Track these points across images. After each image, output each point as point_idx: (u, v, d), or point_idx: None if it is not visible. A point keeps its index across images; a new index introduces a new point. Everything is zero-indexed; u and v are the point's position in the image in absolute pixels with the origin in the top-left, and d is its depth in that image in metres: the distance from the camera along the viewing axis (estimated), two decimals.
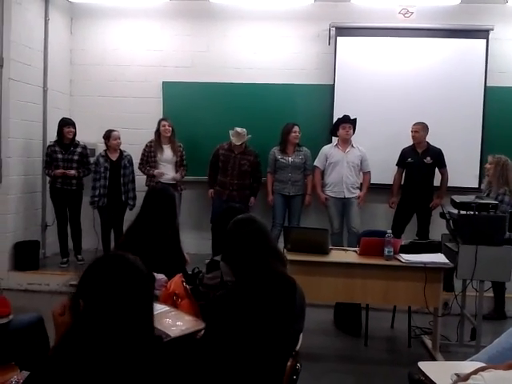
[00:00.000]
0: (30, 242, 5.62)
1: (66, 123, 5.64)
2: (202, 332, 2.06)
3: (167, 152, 5.78)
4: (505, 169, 4.65)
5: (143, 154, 5.81)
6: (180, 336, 2.02)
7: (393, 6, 6.10)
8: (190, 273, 2.96)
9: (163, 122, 5.78)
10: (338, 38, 6.15)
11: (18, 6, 5.45)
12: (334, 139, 5.81)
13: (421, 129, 5.58)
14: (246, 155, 5.71)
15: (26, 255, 5.53)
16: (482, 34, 5.98)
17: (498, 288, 4.69)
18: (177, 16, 6.37)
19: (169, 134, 5.77)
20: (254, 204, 5.78)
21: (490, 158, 4.83)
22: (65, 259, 5.76)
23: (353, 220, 5.61)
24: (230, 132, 5.63)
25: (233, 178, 5.67)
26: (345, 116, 5.62)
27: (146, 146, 5.82)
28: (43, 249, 5.98)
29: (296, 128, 5.68)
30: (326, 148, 5.75)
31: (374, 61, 6.10)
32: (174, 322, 2.10)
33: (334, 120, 5.88)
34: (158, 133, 5.80)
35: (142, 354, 1.45)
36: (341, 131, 5.61)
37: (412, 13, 6.14)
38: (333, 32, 6.16)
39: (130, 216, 5.29)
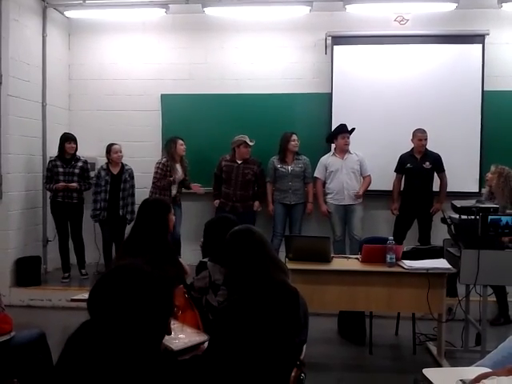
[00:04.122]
0: (31, 257, 5.60)
1: (67, 138, 5.66)
2: (205, 344, 2.05)
3: (179, 171, 5.77)
4: (508, 180, 4.60)
5: (160, 174, 5.65)
6: (183, 349, 2.01)
7: (388, 14, 6.12)
8: (188, 284, 2.97)
9: (180, 141, 5.71)
10: (335, 46, 6.16)
11: (16, 22, 5.49)
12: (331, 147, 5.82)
13: (427, 136, 5.59)
14: (249, 164, 5.72)
15: (27, 271, 5.51)
16: (477, 38, 6.00)
17: (500, 292, 4.65)
18: (174, 29, 6.41)
19: (184, 153, 5.76)
20: (259, 208, 5.79)
21: (492, 168, 4.77)
22: (66, 274, 5.75)
23: (354, 227, 5.62)
24: (240, 137, 5.63)
25: (236, 189, 5.66)
26: (343, 126, 5.60)
27: (163, 165, 5.65)
28: (44, 264, 5.97)
29: (294, 136, 5.69)
30: (324, 158, 5.76)
31: (371, 68, 6.12)
32: (176, 334, 2.09)
33: (333, 128, 5.90)
34: (170, 152, 5.68)
35: (152, 368, 1.45)
36: (340, 141, 5.62)
37: (407, 20, 6.17)
38: (329, 41, 6.18)
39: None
